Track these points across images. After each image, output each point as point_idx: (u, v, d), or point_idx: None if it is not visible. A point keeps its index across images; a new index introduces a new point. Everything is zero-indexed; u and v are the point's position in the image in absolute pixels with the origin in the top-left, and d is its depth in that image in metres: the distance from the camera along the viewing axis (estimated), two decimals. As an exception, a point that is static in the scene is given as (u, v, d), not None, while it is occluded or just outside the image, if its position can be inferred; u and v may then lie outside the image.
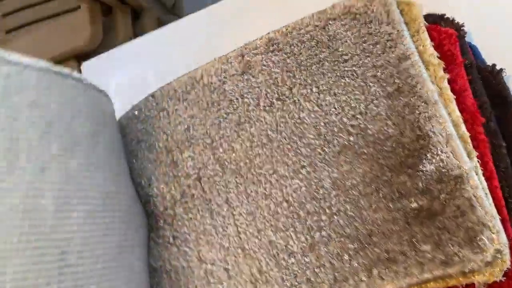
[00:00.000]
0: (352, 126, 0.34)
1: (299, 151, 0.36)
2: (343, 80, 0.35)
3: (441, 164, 0.31)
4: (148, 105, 0.44)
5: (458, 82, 0.35)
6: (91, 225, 0.35)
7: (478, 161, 0.32)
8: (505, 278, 0.31)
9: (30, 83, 0.32)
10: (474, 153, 0.33)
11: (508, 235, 0.32)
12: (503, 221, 0.32)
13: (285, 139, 0.37)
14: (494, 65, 0.38)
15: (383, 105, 0.33)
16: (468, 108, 0.35)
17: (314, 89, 0.36)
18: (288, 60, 0.37)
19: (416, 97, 0.32)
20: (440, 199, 0.31)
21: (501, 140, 0.35)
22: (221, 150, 0.39)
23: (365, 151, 0.34)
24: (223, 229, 0.38)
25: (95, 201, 0.36)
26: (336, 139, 0.35)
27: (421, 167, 0.32)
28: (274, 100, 0.38)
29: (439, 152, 0.32)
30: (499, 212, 0.33)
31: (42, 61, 0.33)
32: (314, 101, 0.36)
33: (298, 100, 0.37)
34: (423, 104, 0.32)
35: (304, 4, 0.48)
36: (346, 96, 0.35)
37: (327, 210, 0.35)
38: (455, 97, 0.34)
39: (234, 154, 0.39)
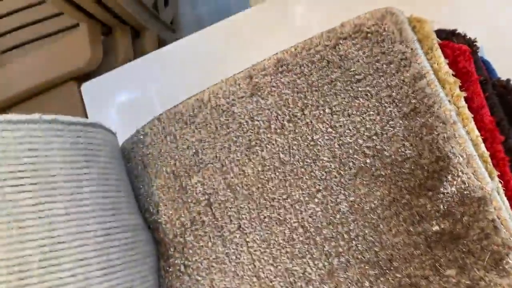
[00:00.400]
0: (368, 147, 0.33)
1: (313, 174, 0.35)
2: (357, 101, 0.34)
3: (462, 186, 0.30)
4: (154, 129, 0.43)
5: (475, 100, 0.34)
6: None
7: (500, 182, 0.31)
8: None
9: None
10: (495, 173, 0.32)
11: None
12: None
13: (299, 162, 0.36)
14: (509, 80, 0.37)
15: (399, 126, 0.32)
16: (487, 126, 0.34)
17: (327, 110, 0.35)
18: (298, 81, 0.36)
19: (433, 117, 0.31)
20: (463, 221, 0.30)
21: (520, 158, 0.35)
22: (232, 174, 0.38)
23: (382, 173, 0.33)
24: (236, 257, 0.37)
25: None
26: (352, 161, 0.34)
27: (441, 189, 0.31)
28: (286, 122, 0.37)
29: (460, 174, 0.31)
30: (522, 232, 0.32)
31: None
32: (328, 123, 0.35)
33: (311, 122, 0.36)
34: (441, 124, 0.31)
35: (306, 23, 0.47)
36: (361, 117, 0.34)
37: (345, 235, 0.33)
38: (472, 115, 0.33)
39: (245, 179, 0.37)
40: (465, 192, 0.30)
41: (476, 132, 0.32)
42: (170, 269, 0.40)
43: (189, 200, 0.39)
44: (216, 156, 0.39)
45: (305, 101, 0.36)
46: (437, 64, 0.34)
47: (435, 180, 0.31)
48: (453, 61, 0.35)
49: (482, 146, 0.32)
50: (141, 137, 0.43)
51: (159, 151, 0.42)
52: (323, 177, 0.35)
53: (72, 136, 0.36)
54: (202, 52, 0.55)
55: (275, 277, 0.35)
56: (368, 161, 0.33)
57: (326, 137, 0.35)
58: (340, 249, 0.33)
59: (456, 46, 0.36)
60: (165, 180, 0.41)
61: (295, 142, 0.36)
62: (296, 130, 0.36)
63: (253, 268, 0.36)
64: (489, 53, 0.40)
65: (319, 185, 0.35)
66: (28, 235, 0.32)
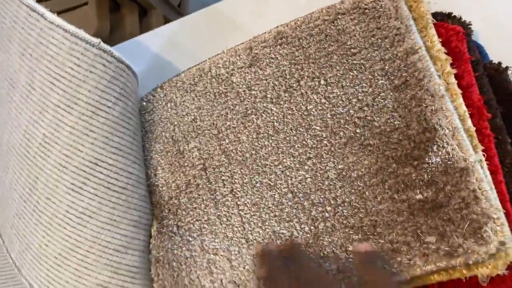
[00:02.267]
0: (358, 118, 0.35)
1: (305, 143, 0.36)
2: (351, 73, 0.35)
3: (447, 156, 0.32)
4: (156, 96, 0.44)
5: (465, 78, 0.36)
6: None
7: (484, 155, 0.32)
8: (508, 271, 0.31)
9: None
10: (480, 147, 0.33)
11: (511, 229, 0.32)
12: (507, 215, 0.33)
13: (292, 131, 0.37)
14: (500, 63, 0.39)
15: (390, 98, 0.34)
16: (475, 104, 0.35)
17: (322, 82, 0.36)
18: (296, 53, 0.38)
19: (423, 91, 0.33)
20: (445, 191, 0.31)
21: (506, 136, 0.36)
22: (227, 141, 0.39)
23: (371, 142, 0.34)
24: (227, 219, 0.38)
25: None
26: (343, 131, 0.35)
27: (427, 159, 0.32)
28: (282, 92, 0.38)
29: (445, 145, 0.32)
30: (503, 206, 0.33)
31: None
32: (322, 94, 0.36)
33: (306, 93, 0.37)
34: (429, 97, 0.33)
35: (308, 1, 0.48)
36: (354, 89, 0.35)
37: (332, 201, 0.35)
38: (461, 92, 0.34)
39: (240, 145, 0.39)
40: (449, 163, 0.32)
41: (464, 108, 0.34)
42: (163, 230, 0.41)
43: (186, 164, 0.41)
44: (213, 123, 0.40)
45: (302, 73, 0.37)
46: (430, 42, 0.35)
47: (421, 150, 0.32)
48: (446, 41, 0.36)
49: (469, 122, 0.33)
50: (144, 103, 0.45)
51: (160, 117, 0.43)
52: (314, 145, 0.36)
53: (116, 71, 0.38)
54: (207, 28, 0.56)
55: (263, 239, 0.37)
56: (358, 131, 0.35)
57: (319, 108, 0.36)
58: (327, 214, 0.35)
59: (450, 27, 0.37)
60: (164, 145, 0.43)
61: (290, 112, 0.37)
62: (291, 100, 0.37)
63: (242, 230, 0.37)
64: (484, 40, 0.41)
65: (310, 153, 0.36)
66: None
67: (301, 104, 0.37)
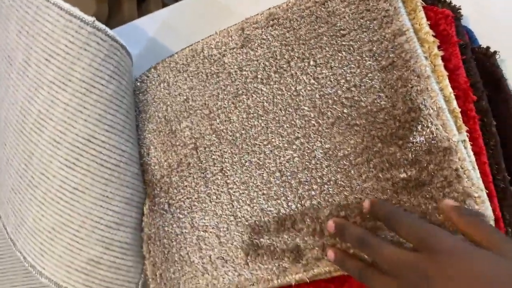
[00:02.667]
0: (346, 98, 0.35)
1: (294, 123, 0.37)
2: (340, 54, 0.36)
3: (431, 136, 0.32)
4: (150, 76, 0.45)
5: (452, 61, 0.36)
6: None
7: (467, 135, 0.33)
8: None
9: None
10: (464, 128, 0.33)
11: (493, 209, 0.33)
12: (490, 196, 0.33)
13: (281, 111, 0.38)
14: (488, 47, 0.39)
15: (377, 78, 0.34)
16: (461, 86, 0.36)
17: (312, 63, 0.37)
18: (287, 34, 0.38)
19: (409, 71, 0.33)
20: (428, 170, 0.32)
21: (491, 119, 0.36)
22: (218, 120, 0.40)
23: (357, 122, 0.35)
24: (217, 197, 0.39)
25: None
26: (331, 111, 0.36)
27: (411, 138, 0.33)
28: (272, 73, 0.38)
29: (430, 125, 0.32)
30: (487, 187, 0.33)
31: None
32: (311, 74, 0.37)
33: (296, 73, 0.37)
34: (415, 78, 0.33)
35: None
36: (342, 70, 0.36)
37: (318, 180, 0.35)
38: (448, 74, 0.35)
39: (230, 125, 0.40)
40: (433, 142, 0.32)
41: (450, 90, 0.34)
42: (155, 208, 0.42)
43: (177, 143, 0.42)
44: (205, 103, 0.41)
45: (292, 54, 0.38)
46: (419, 24, 0.35)
47: (406, 130, 0.33)
48: (435, 24, 0.37)
49: (454, 103, 0.34)
50: (138, 84, 0.46)
51: (153, 97, 0.44)
52: (303, 125, 0.37)
53: (110, 49, 0.39)
54: (203, 13, 0.56)
55: (250, 216, 0.37)
56: (345, 111, 0.35)
57: (308, 88, 0.37)
58: (313, 193, 0.35)
59: (439, 10, 0.37)
60: (157, 124, 0.43)
61: (279, 92, 0.38)
62: (281, 81, 0.38)
63: (231, 208, 0.38)
64: (475, 25, 0.42)
65: (298, 132, 0.37)
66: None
67: (290, 85, 0.38)
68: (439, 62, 0.35)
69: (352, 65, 0.35)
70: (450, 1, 0.40)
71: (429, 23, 0.36)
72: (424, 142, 0.32)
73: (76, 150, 0.38)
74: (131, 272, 0.42)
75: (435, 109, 0.32)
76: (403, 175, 0.33)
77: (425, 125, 0.32)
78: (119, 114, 0.40)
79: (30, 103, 0.39)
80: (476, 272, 0.25)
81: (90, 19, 0.38)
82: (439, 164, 0.32)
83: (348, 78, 0.35)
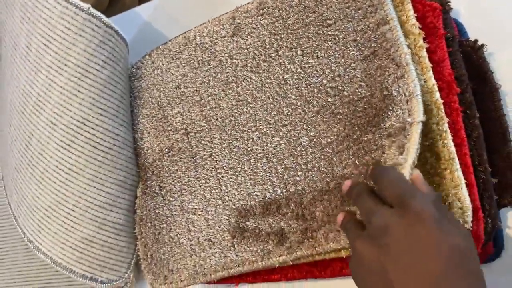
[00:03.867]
0: (331, 87, 0.36)
1: (281, 110, 0.38)
2: (326, 44, 0.37)
3: (397, 120, 0.32)
4: (145, 63, 0.46)
5: (438, 53, 0.37)
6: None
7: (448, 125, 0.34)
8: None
9: None
10: (445, 119, 0.34)
11: (473, 200, 0.34)
12: (469, 186, 0.34)
13: (269, 99, 0.39)
14: (476, 40, 0.39)
15: (359, 68, 0.35)
16: (445, 78, 0.36)
17: (299, 52, 0.38)
18: (276, 24, 0.39)
19: (388, 60, 0.34)
20: (389, 153, 0.32)
21: (475, 111, 0.37)
22: (208, 107, 0.41)
23: (340, 111, 0.36)
24: (206, 181, 0.40)
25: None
26: (316, 100, 0.37)
27: (382, 124, 0.33)
28: (261, 62, 0.39)
29: (399, 110, 0.32)
30: (467, 177, 0.34)
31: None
32: (298, 64, 0.38)
33: (284, 62, 0.38)
34: (394, 66, 0.33)
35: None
36: (328, 59, 0.36)
37: (303, 166, 0.37)
38: (432, 66, 0.35)
39: (220, 112, 0.41)
40: (397, 125, 0.32)
41: (433, 81, 0.35)
42: (147, 191, 0.44)
43: (169, 129, 0.43)
44: (196, 90, 0.42)
45: (280, 43, 0.39)
46: (406, 16, 0.36)
47: (379, 116, 0.34)
48: (422, 16, 0.37)
49: (437, 95, 0.35)
50: (134, 70, 0.47)
51: (147, 83, 0.45)
52: (289, 113, 0.38)
53: (104, 36, 0.40)
54: (202, 1, 0.57)
55: (238, 200, 0.39)
56: (329, 100, 0.36)
57: (295, 77, 0.38)
58: (298, 178, 0.37)
59: (427, 3, 0.38)
60: (150, 110, 0.45)
61: (268, 81, 0.39)
62: (270, 69, 0.39)
63: (219, 192, 0.40)
64: (466, 18, 0.42)
65: (285, 120, 0.38)
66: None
67: (278, 74, 0.38)
68: (424, 54, 0.35)
69: (337, 55, 0.36)
70: (440, -6, 0.40)
71: (416, 15, 0.36)
72: (390, 126, 0.33)
73: (71, 132, 0.40)
74: (123, 252, 0.44)
75: (407, 94, 0.33)
76: (372, 161, 0.33)
77: (395, 110, 0.33)
78: (113, 99, 0.42)
79: (30, 87, 0.40)
80: (432, 241, 0.25)
81: (85, 5, 0.39)
82: (398, 148, 0.32)
83: (333, 68, 0.36)
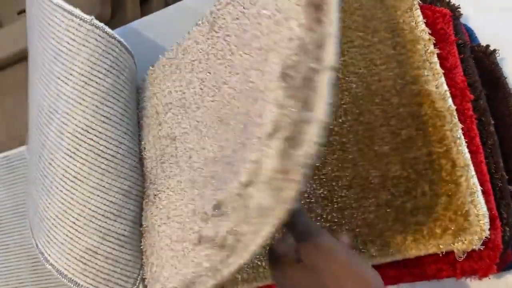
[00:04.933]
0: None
1: None
2: None
3: None
4: (149, 74, 0.46)
5: (450, 60, 0.36)
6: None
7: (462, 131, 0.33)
8: (484, 247, 0.31)
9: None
10: (459, 126, 0.33)
11: (490, 209, 0.33)
12: (485, 194, 0.33)
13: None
14: (488, 46, 0.39)
15: None
16: (458, 85, 0.35)
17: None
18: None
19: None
20: None
21: (489, 118, 0.36)
22: (192, 108, 0.40)
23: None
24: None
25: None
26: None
27: None
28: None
29: None
30: (483, 185, 0.33)
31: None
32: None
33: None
34: None
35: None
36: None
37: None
38: (445, 72, 0.34)
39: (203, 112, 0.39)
40: None
41: (445, 87, 0.34)
42: (147, 200, 0.43)
43: (161, 135, 0.43)
44: (183, 94, 0.41)
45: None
46: (415, 22, 0.36)
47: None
48: (432, 22, 0.37)
49: (449, 101, 0.34)
50: (141, 83, 0.47)
51: (150, 93, 0.46)
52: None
53: (107, 45, 0.41)
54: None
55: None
56: None
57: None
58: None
59: (437, 9, 0.37)
60: (151, 119, 0.45)
61: None
62: None
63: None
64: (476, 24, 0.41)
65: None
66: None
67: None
68: (435, 60, 0.35)
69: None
70: (449, 0, 0.39)
71: (426, 21, 0.36)
72: None
73: (76, 140, 0.39)
74: (129, 266, 0.42)
75: None
76: None
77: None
78: (117, 107, 0.41)
79: (43, 99, 0.41)
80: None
81: (89, 17, 0.40)
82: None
83: None
